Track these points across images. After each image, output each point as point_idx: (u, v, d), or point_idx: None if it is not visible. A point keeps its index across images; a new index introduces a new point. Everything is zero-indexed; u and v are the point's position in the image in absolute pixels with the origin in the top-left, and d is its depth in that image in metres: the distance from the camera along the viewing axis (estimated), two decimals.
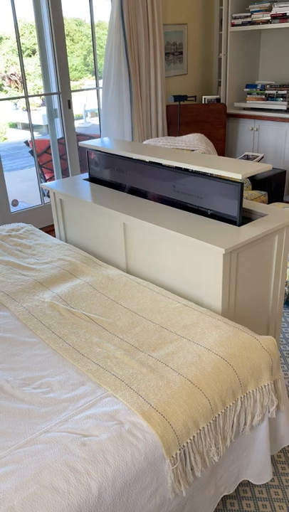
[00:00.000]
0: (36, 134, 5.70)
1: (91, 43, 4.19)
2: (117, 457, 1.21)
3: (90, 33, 4.15)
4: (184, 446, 1.32)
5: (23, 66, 3.74)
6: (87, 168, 3.04)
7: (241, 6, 4.52)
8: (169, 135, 4.68)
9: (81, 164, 4.39)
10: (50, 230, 4.10)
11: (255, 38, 4.77)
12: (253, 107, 4.64)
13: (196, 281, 1.94)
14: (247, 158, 4.30)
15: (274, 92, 4.43)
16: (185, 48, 4.75)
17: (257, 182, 3.98)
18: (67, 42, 4.08)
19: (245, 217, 2.09)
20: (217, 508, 1.68)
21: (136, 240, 2.17)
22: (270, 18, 4.22)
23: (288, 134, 4.33)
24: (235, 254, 1.81)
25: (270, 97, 4.47)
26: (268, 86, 4.47)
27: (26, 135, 6.71)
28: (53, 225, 4.24)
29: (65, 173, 4.38)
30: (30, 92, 4.44)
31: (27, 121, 3.96)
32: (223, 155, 4.73)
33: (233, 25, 4.47)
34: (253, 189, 3.98)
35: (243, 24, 4.41)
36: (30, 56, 4.97)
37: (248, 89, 4.62)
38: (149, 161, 2.29)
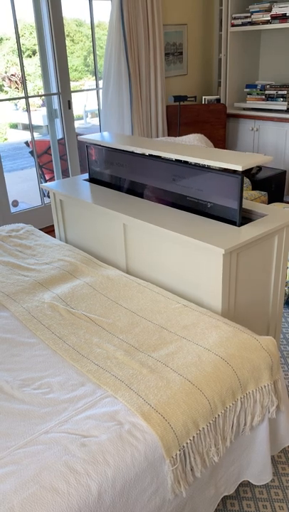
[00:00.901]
0: (36, 135, 5.70)
1: (91, 44, 4.19)
2: (116, 458, 1.21)
3: (90, 33, 4.16)
4: (183, 446, 1.31)
5: (23, 67, 3.74)
6: (87, 169, 3.04)
7: (241, 6, 4.52)
8: (169, 135, 4.68)
9: (81, 165, 4.39)
10: (50, 230, 4.10)
11: (255, 39, 4.77)
12: (253, 107, 4.64)
13: (196, 281, 1.94)
14: None
15: (274, 92, 4.43)
16: (185, 49, 4.75)
17: (257, 182, 3.98)
18: (68, 42, 4.08)
19: (245, 218, 2.09)
20: (217, 509, 1.68)
21: (136, 240, 2.17)
22: (269, 18, 4.23)
23: (288, 134, 4.33)
24: (235, 255, 1.81)
25: (270, 97, 4.47)
26: (267, 86, 4.47)
27: (26, 135, 6.71)
28: (53, 226, 4.24)
29: (65, 173, 4.38)
30: (31, 93, 4.44)
31: (27, 122, 3.97)
32: None
33: (233, 25, 4.47)
34: (253, 189, 3.97)
35: (242, 24, 4.41)
36: (30, 57, 4.97)
37: (248, 90, 4.62)
38: (149, 154, 2.28)
